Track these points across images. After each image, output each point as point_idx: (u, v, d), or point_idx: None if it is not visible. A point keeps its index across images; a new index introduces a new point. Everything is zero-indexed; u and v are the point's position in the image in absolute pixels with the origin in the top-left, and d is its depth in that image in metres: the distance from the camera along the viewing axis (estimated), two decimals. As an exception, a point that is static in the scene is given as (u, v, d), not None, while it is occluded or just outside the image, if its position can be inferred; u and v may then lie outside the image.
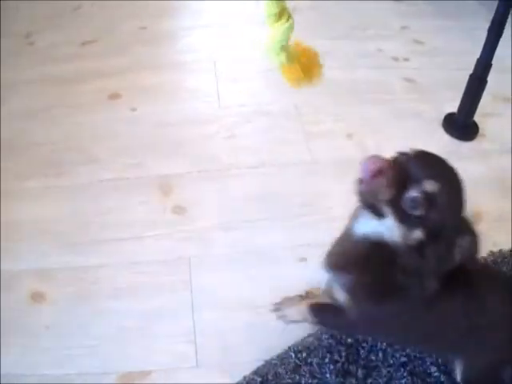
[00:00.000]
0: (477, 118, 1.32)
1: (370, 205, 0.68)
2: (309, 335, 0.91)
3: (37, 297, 0.99)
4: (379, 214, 0.67)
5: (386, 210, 0.66)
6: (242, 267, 1.03)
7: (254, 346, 0.91)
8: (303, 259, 1.04)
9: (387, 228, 0.67)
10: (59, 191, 1.17)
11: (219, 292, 0.99)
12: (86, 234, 1.09)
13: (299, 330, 0.92)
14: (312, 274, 0.96)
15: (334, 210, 1.11)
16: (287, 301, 0.94)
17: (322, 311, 0.85)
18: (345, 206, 1.04)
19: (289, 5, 0.72)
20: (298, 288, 0.97)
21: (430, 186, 0.64)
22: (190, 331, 0.93)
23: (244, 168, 1.20)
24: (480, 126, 1.33)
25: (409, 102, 1.41)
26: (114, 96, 1.43)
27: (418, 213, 0.64)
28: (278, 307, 0.94)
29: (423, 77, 1.50)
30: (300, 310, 0.90)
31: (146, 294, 0.99)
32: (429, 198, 0.64)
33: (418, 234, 0.65)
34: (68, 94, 1.46)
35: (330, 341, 0.90)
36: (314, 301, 0.90)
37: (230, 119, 1.33)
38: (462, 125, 1.32)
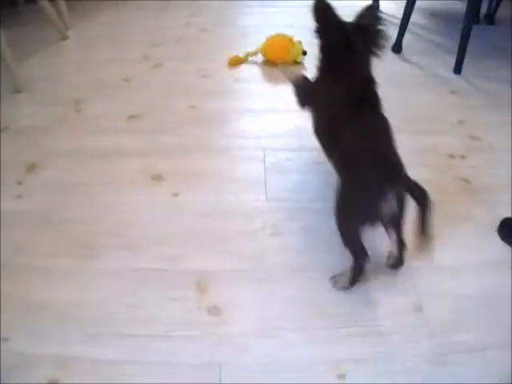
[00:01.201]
0: None
1: None
2: None
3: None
4: None
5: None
6: (278, 381, 1.00)
7: None
8: (342, 376, 1.01)
9: None
10: (89, 275, 1.17)
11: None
12: (111, 326, 1.08)
13: None
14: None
15: (381, 323, 1.09)
16: None
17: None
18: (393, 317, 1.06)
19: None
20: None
21: None
22: None
23: (288, 271, 1.21)
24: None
25: (463, 204, 1.40)
26: (157, 178, 1.46)
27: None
28: None
29: (479, 177, 1.50)
30: None
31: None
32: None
33: None
34: (109, 170, 1.50)
35: None
36: None
37: (277, 215, 1.32)
38: None
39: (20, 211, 1.37)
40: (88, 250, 1.24)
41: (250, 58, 2.22)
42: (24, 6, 3.07)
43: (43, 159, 1.58)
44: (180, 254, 1.22)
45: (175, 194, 1.40)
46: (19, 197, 1.42)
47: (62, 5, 2.64)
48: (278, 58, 2.17)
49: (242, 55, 2.20)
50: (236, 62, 2.18)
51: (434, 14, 3.00)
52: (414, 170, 1.50)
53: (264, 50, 2.18)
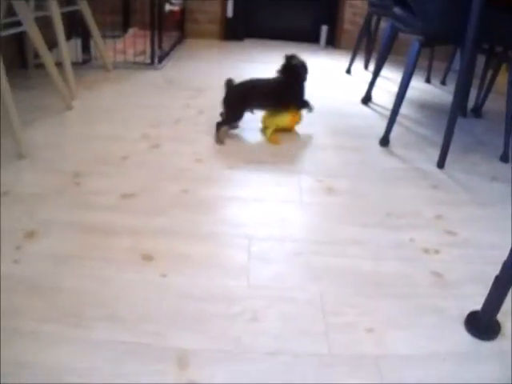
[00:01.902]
0: (500, 316, 1.38)
1: None
2: None
3: None
4: None
5: None
6: None
7: None
8: None
9: None
10: (75, 343, 1.24)
11: None
12: None
13: None
14: None
15: None
16: None
17: None
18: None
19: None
20: None
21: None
22: None
23: (261, 354, 1.27)
24: (502, 324, 1.40)
25: (433, 298, 1.50)
26: (147, 257, 1.57)
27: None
28: None
29: (451, 271, 1.61)
30: None
31: None
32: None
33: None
34: (102, 246, 1.60)
35: None
36: None
37: (256, 302, 1.43)
38: (484, 324, 1.38)
39: (16, 276, 1.46)
40: (76, 319, 1.32)
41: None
42: (33, 69, 3.23)
43: (41, 228, 1.68)
44: (163, 331, 1.31)
45: (163, 275, 1.51)
46: (16, 262, 1.52)
47: (70, 74, 2.79)
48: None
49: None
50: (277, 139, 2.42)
51: (422, 106, 3.20)
52: (390, 264, 1.65)
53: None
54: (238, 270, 1.56)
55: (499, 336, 1.39)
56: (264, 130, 2.59)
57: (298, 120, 2.61)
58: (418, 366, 1.28)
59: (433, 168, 2.33)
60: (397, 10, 2.70)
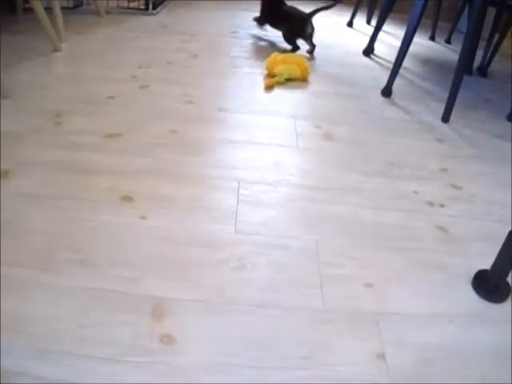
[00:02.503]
0: (510, 277, 1.26)
1: None
2: None
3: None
4: None
5: None
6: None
7: None
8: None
9: None
10: (43, 288, 1.12)
11: None
12: (59, 343, 1.02)
13: None
14: None
15: (339, 368, 1.04)
16: None
17: None
18: (353, 364, 1.03)
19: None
20: None
21: None
22: None
23: (248, 306, 1.13)
24: (513, 286, 1.26)
25: (438, 254, 1.37)
26: (126, 199, 1.43)
27: None
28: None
29: (457, 226, 1.48)
30: None
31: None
32: None
33: None
34: (79, 186, 1.47)
35: None
36: None
37: (244, 248, 1.29)
38: (493, 285, 1.26)
39: None
40: (46, 264, 1.20)
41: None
42: (22, 14, 3.10)
43: (16, 167, 1.55)
44: (139, 277, 1.18)
45: (142, 217, 1.37)
46: None
47: (59, 17, 2.68)
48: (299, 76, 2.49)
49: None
50: (271, 86, 2.33)
51: (426, 62, 3.06)
52: (392, 215, 1.52)
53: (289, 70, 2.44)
54: (225, 213, 1.42)
55: (509, 299, 1.25)
56: (269, 76, 2.47)
57: (309, 70, 2.50)
58: (420, 326, 1.15)
59: (437, 122, 2.19)
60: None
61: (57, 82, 2.24)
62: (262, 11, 3.15)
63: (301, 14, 2.87)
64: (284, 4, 2.98)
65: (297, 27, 2.87)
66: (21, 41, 2.76)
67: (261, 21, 3.23)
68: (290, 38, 2.91)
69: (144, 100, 2.08)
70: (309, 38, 2.89)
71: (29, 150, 1.66)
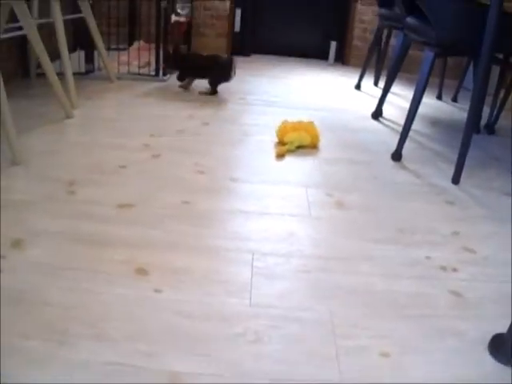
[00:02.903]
0: None
1: None
2: None
3: None
4: None
5: None
6: None
7: None
8: None
9: None
10: (56, 362, 1.12)
11: None
12: None
13: None
14: None
15: None
16: None
17: None
18: None
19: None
20: None
21: None
22: None
23: (264, 380, 1.14)
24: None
25: (453, 319, 1.37)
26: (141, 271, 1.44)
27: None
28: None
29: (471, 290, 1.49)
30: None
31: None
32: None
33: None
34: (93, 258, 1.48)
35: None
36: None
37: (260, 321, 1.30)
38: (510, 348, 1.23)
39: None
40: (60, 336, 1.20)
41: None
42: (36, 79, 3.18)
43: (29, 236, 1.57)
44: (155, 351, 1.19)
45: (158, 291, 1.38)
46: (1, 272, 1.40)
47: (71, 83, 2.74)
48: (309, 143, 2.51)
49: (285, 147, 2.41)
50: (282, 154, 2.35)
51: (435, 123, 3.11)
52: (404, 283, 1.52)
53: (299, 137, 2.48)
54: (240, 286, 1.44)
55: (528, 365, 1.23)
56: (279, 144, 2.52)
57: (319, 137, 2.55)
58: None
59: (447, 183, 2.23)
60: (410, 19, 2.61)
61: (69, 149, 2.29)
62: (180, 66, 3.42)
63: (226, 59, 3.30)
64: (201, 53, 3.42)
65: (224, 72, 3.24)
66: (34, 106, 2.84)
67: (181, 76, 3.43)
68: (217, 83, 3.31)
69: (156, 169, 2.11)
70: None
71: (42, 219, 1.68)
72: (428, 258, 1.64)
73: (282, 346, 1.24)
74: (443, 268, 1.60)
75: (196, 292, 1.40)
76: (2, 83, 2.00)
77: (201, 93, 3.36)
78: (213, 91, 3.33)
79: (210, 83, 3.30)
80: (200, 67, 3.30)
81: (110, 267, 1.46)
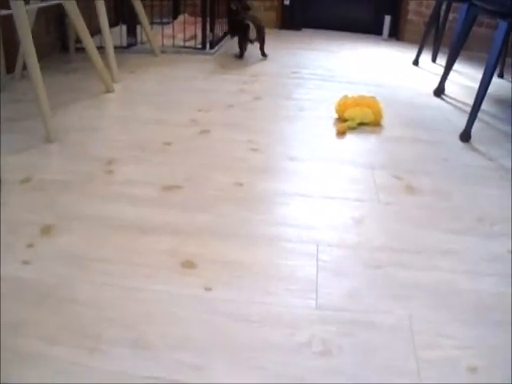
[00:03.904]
0: None
1: None
2: None
3: None
4: None
5: None
6: None
7: None
8: None
9: None
10: (88, 372, 0.99)
11: None
12: None
13: None
14: None
15: None
16: None
17: None
18: None
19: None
20: None
21: None
22: None
23: None
24: None
25: None
26: (188, 265, 1.30)
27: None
28: None
29: None
30: None
31: None
32: None
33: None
34: (133, 247, 1.35)
35: None
36: None
37: (327, 328, 1.13)
38: None
39: (24, 280, 1.22)
40: (92, 342, 1.06)
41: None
42: (75, 53, 3.14)
43: (61, 222, 1.45)
44: (204, 364, 1.03)
45: (208, 289, 1.23)
46: (26, 263, 1.28)
47: (112, 57, 2.67)
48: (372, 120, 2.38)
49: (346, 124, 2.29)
50: (343, 131, 2.23)
51: (499, 101, 2.95)
52: (489, 281, 1.34)
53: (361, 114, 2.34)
54: (303, 284, 1.27)
55: None
56: (340, 121, 2.37)
57: (382, 114, 2.40)
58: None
59: (522, 167, 2.03)
60: (478, -12, 2.43)
61: (109, 125, 2.18)
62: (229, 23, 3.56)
63: (246, 21, 3.34)
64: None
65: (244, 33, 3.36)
66: (72, 80, 2.76)
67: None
68: (240, 43, 3.38)
69: (205, 147, 1.99)
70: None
71: (76, 202, 1.56)
72: (510, 252, 1.47)
73: (353, 357, 1.08)
74: (528, 265, 1.41)
75: (252, 291, 1.24)
76: (35, 58, 1.94)
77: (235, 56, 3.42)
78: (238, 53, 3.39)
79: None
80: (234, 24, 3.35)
81: (151, 259, 1.32)
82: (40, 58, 1.91)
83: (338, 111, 2.40)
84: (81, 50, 2.80)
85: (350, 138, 2.23)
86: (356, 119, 2.32)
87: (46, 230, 1.41)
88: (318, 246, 1.42)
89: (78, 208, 1.52)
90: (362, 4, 4.74)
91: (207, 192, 1.66)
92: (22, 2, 1.92)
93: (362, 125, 2.33)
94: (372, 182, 1.82)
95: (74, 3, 2.36)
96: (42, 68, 1.94)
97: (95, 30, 2.77)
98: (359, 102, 2.38)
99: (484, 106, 2.65)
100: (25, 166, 1.76)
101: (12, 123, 2.11)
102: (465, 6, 2.77)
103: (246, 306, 1.18)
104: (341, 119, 2.37)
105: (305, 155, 1.99)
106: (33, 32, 1.95)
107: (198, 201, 1.61)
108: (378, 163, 1.98)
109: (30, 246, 1.34)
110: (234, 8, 3.16)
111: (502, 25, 2.19)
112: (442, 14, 3.81)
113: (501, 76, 3.65)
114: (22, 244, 1.35)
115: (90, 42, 2.42)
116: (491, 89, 2.99)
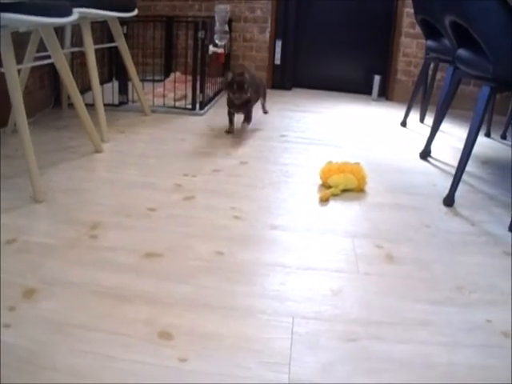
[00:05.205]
0: None
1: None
2: None
3: None
4: None
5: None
6: None
7: None
8: None
9: None
10: None
11: None
12: None
13: None
14: None
15: None
16: None
17: None
18: None
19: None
20: None
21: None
22: None
23: None
24: None
25: None
26: (164, 335, 1.32)
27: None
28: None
29: None
30: None
31: None
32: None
33: None
34: (112, 316, 1.38)
35: None
36: None
37: None
38: None
39: (4, 343, 1.26)
40: None
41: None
42: (68, 109, 3.23)
43: (44, 286, 1.49)
44: None
45: (182, 360, 1.26)
46: (7, 326, 1.32)
47: (102, 115, 2.74)
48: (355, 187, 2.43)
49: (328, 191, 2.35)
50: (326, 198, 2.27)
51: (485, 162, 3.00)
52: (465, 353, 1.37)
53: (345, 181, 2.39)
54: (277, 357, 1.30)
55: None
56: (323, 187, 2.44)
57: (366, 180, 2.45)
58: None
59: (504, 232, 2.08)
60: (461, 51, 2.50)
61: (96, 187, 2.23)
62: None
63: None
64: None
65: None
66: (62, 138, 2.81)
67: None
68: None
69: (188, 214, 2.03)
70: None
71: (59, 266, 1.60)
72: (489, 321, 1.50)
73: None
74: (505, 334, 1.45)
75: (226, 363, 1.26)
76: (24, 117, 1.99)
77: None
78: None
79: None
80: None
81: (129, 328, 1.35)
82: (33, 112, 1.96)
83: (322, 178, 2.45)
84: (73, 106, 2.87)
85: (333, 205, 2.27)
86: (340, 186, 2.37)
87: (29, 294, 1.45)
88: (293, 318, 1.45)
89: (61, 273, 1.56)
90: (352, 64, 4.87)
91: (187, 261, 1.68)
92: (14, 62, 1.97)
93: (345, 191, 2.38)
94: (352, 251, 1.86)
95: (65, 61, 2.42)
96: (34, 123, 1.99)
97: (89, 85, 2.84)
98: (343, 168, 2.42)
99: (470, 167, 2.72)
100: (11, 226, 1.80)
101: (1, 180, 2.16)
102: (451, 69, 2.86)
103: (219, 379, 1.21)
104: (325, 185, 2.42)
105: (287, 224, 2.02)
106: (26, 87, 1.99)
107: (177, 270, 1.63)
108: (360, 232, 2.02)
109: (12, 309, 1.38)
110: (230, 79, 2.99)
111: (485, 89, 2.25)
112: (431, 73, 3.88)
113: (488, 135, 3.71)
114: (3, 306, 1.38)
115: (80, 103, 2.48)
116: (478, 149, 3.07)
